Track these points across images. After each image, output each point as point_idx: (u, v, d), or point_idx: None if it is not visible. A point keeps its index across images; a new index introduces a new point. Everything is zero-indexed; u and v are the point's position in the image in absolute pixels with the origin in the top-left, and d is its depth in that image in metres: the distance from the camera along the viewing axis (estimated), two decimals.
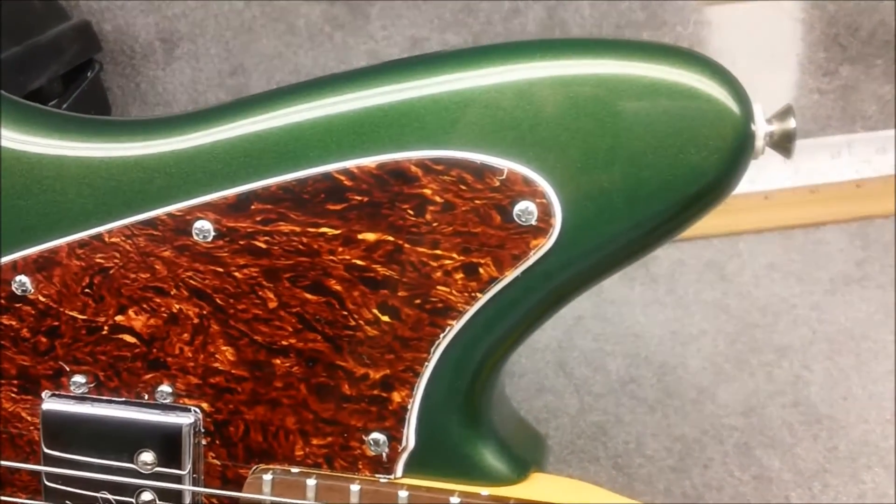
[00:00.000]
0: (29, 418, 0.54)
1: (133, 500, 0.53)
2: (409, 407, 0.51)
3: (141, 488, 0.53)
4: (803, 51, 1.16)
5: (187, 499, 0.52)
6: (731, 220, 1.15)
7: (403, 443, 0.51)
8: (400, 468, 0.51)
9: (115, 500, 0.53)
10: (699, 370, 0.99)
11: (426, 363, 0.50)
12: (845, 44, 1.16)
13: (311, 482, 0.51)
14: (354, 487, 0.50)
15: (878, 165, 1.19)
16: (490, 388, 0.52)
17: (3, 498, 0.56)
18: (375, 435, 0.51)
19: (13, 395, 0.54)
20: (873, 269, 1.10)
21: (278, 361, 0.51)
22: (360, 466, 0.52)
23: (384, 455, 0.51)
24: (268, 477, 0.51)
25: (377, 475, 0.51)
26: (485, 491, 0.50)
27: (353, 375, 0.51)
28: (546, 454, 0.59)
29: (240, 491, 0.52)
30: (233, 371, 0.52)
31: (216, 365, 0.52)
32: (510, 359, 0.52)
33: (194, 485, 0.53)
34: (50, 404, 0.54)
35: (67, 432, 0.53)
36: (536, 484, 0.52)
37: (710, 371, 0.99)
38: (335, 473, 0.52)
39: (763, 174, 1.18)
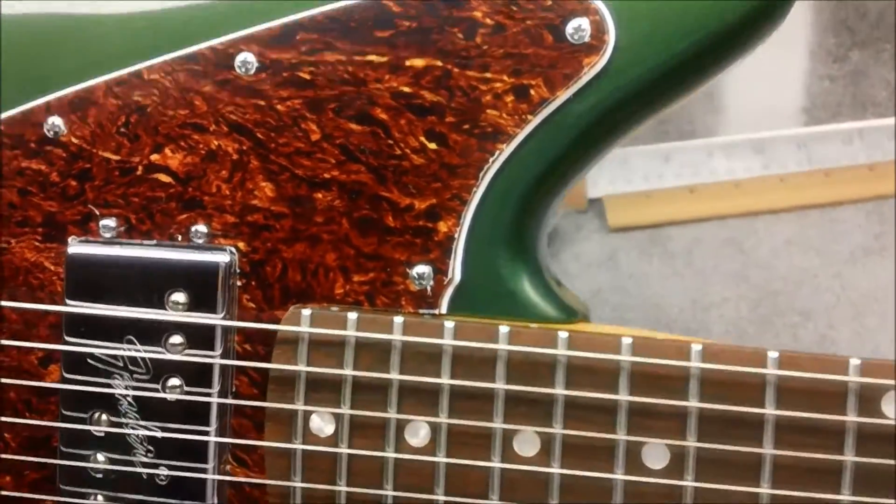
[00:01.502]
0: (52, 268, 0.52)
1: (161, 346, 0.50)
2: (456, 237, 0.49)
3: (170, 332, 0.50)
4: (813, 36, 1.17)
5: (219, 341, 0.50)
6: (746, 202, 1.14)
7: (449, 275, 0.49)
8: (445, 303, 0.49)
9: (142, 348, 0.50)
10: (722, 334, 0.97)
11: (474, 190, 0.48)
12: (854, 28, 1.18)
13: (352, 315, 0.48)
14: (398, 319, 0.48)
15: (889, 152, 1.19)
16: (538, 225, 0.50)
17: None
18: (420, 268, 0.49)
19: (37, 243, 0.52)
20: (891, 241, 1.09)
21: (320, 196, 0.50)
22: (403, 303, 0.49)
23: (428, 289, 0.49)
24: (306, 312, 0.49)
25: (421, 311, 0.49)
26: (534, 324, 0.48)
27: (398, 207, 0.49)
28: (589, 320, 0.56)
29: (276, 334, 0.49)
30: (272, 208, 0.50)
31: (254, 202, 0.50)
32: None
33: (228, 329, 0.50)
34: (76, 248, 0.51)
35: (93, 277, 0.51)
36: (584, 328, 0.49)
37: (733, 334, 0.97)
38: (377, 309, 0.49)
39: (775, 160, 1.18)
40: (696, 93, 0.51)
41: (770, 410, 0.45)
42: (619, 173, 1.02)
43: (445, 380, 0.47)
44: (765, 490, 0.45)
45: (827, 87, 1.18)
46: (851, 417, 0.44)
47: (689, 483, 0.45)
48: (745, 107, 1.12)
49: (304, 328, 0.48)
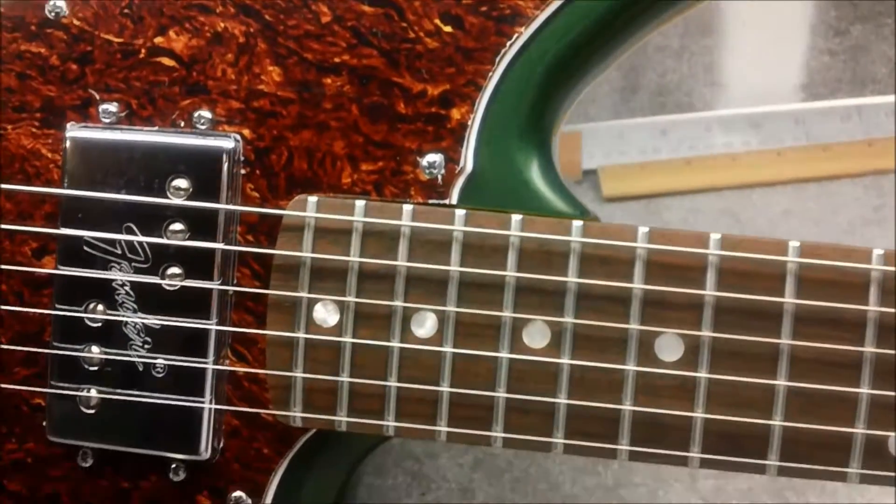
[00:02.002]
0: (49, 155, 0.50)
1: (161, 233, 0.48)
2: (469, 124, 0.47)
3: (171, 219, 0.48)
4: (814, 9, 1.17)
5: (221, 229, 0.48)
6: (742, 174, 1.14)
7: (461, 164, 0.47)
8: (455, 193, 0.48)
9: (143, 238, 0.49)
10: None
11: (490, 76, 0.47)
12: (855, 1, 1.18)
13: (359, 203, 0.47)
14: (407, 207, 0.47)
15: (888, 129, 1.19)
16: (553, 117, 0.49)
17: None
18: (431, 157, 0.48)
19: (34, 129, 0.51)
20: (890, 213, 1.09)
21: (329, 81, 0.48)
22: (413, 192, 0.48)
23: (439, 178, 0.48)
24: (313, 199, 0.47)
25: (430, 201, 0.48)
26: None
27: (410, 93, 0.48)
28: None
29: (280, 225, 0.48)
30: (279, 93, 0.49)
31: (261, 87, 0.49)
32: None
33: (230, 218, 0.49)
34: (75, 132, 0.50)
35: (92, 163, 0.49)
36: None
37: None
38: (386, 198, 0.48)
39: (772, 135, 1.17)
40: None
41: (789, 300, 0.43)
42: (615, 146, 1.01)
43: (454, 268, 0.46)
44: (781, 382, 0.44)
45: (826, 63, 1.18)
46: (873, 308, 0.43)
47: (702, 375, 0.44)
48: (743, 81, 1.11)
49: (311, 214, 0.47)
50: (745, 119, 1.07)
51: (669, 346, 0.45)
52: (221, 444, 0.49)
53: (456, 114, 0.47)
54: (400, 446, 0.79)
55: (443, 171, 0.48)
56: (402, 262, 0.46)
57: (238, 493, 0.49)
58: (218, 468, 0.49)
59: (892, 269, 0.43)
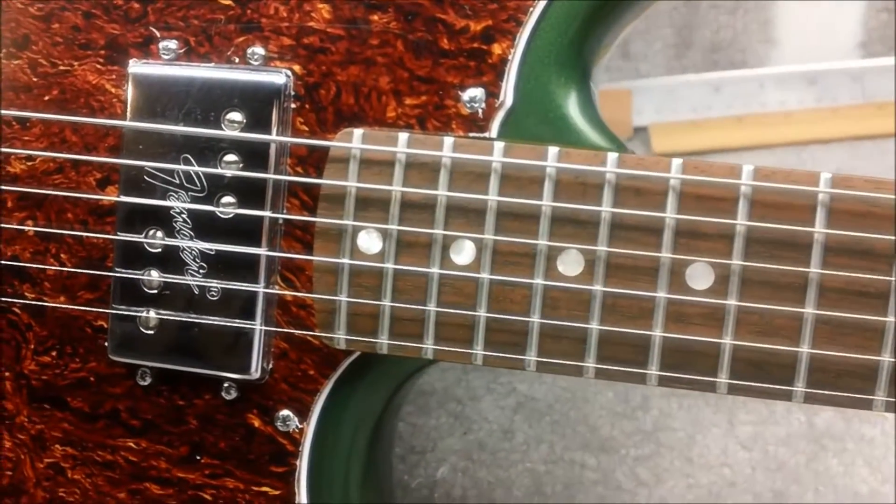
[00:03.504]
0: (113, 90, 0.53)
1: (216, 164, 0.51)
2: (510, 59, 0.49)
3: (225, 150, 0.51)
4: None
5: (273, 160, 0.51)
6: (795, 132, 1.13)
7: (501, 98, 0.49)
8: (495, 127, 0.49)
9: (199, 168, 0.51)
10: None
11: (531, 11, 0.48)
12: None
13: (402, 135, 0.49)
14: (448, 139, 0.48)
15: None
16: (593, 53, 0.50)
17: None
18: (472, 91, 0.49)
19: (99, 66, 0.53)
20: None
21: (376, 17, 0.50)
22: (454, 126, 0.50)
23: (480, 112, 0.49)
24: (359, 131, 0.49)
25: (471, 134, 0.49)
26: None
27: (453, 29, 0.49)
28: None
29: (328, 158, 0.50)
30: (328, 30, 0.51)
31: (311, 24, 0.51)
32: None
33: (281, 150, 0.51)
34: (138, 68, 0.52)
35: (153, 97, 0.52)
36: None
37: None
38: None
39: (828, 93, 1.16)
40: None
41: (819, 230, 0.44)
42: (666, 103, 1.01)
43: (493, 197, 0.48)
44: (809, 311, 0.45)
45: (884, 20, 1.16)
46: None
47: (732, 302, 0.45)
48: (799, 38, 1.10)
49: (356, 145, 0.49)
50: (801, 76, 1.06)
51: (700, 275, 0.46)
52: (270, 366, 0.52)
53: (497, 49, 0.49)
54: (443, 390, 0.81)
55: (483, 106, 0.49)
56: (442, 192, 0.48)
57: (285, 412, 0.52)
58: (267, 388, 0.52)
59: None
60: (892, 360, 0.44)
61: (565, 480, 0.73)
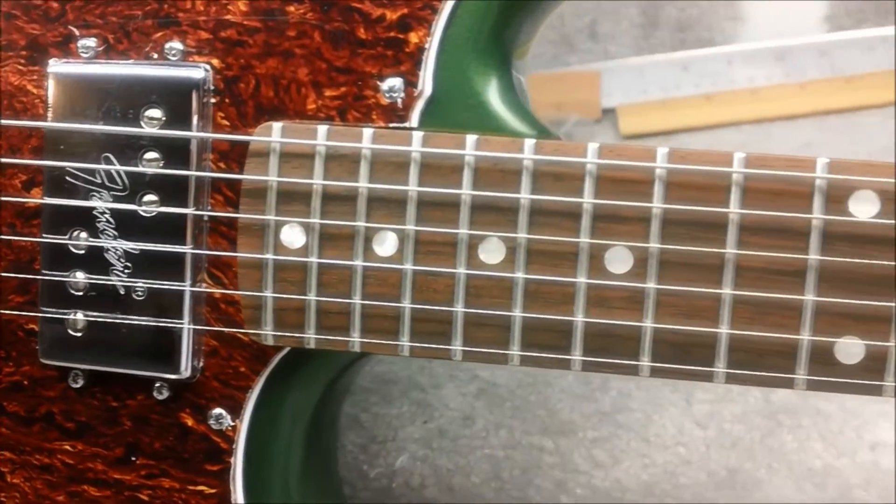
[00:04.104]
0: (35, 91, 0.53)
1: (137, 162, 0.51)
2: (427, 47, 0.48)
3: (146, 148, 0.51)
4: None
5: (194, 156, 0.50)
6: (763, 108, 1.12)
7: (419, 87, 0.49)
8: (415, 117, 0.49)
9: (120, 167, 0.51)
10: None
11: None
12: None
13: (322, 128, 0.48)
14: (368, 130, 0.48)
15: None
16: (513, 39, 0.50)
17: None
18: (391, 81, 0.49)
19: (20, 66, 0.53)
20: None
21: (292, 8, 0.50)
22: (375, 116, 0.49)
23: (399, 102, 0.49)
24: (278, 125, 0.49)
25: (391, 124, 0.49)
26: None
27: (370, 18, 0.49)
28: None
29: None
30: (245, 22, 0.50)
31: (228, 17, 0.50)
32: None
33: (202, 146, 0.51)
34: (57, 67, 0.52)
35: (74, 95, 0.51)
36: None
37: None
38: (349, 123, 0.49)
39: (796, 68, 1.15)
40: None
41: (734, 210, 0.44)
42: (635, 84, 1.01)
43: (413, 187, 0.47)
44: (727, 291, 0.44)
45: None
46: (818, 216, 0.43)
47: (651, 286, 0.45)
48: (765, 14, 1.09)
49: (276, 139, 0.49)
50: (769, 52, 1.05)
51: (619, 259, 0.46)
52: (201, 364, 0.52)
53: (414, 38, 0.49)
54: (407, 378, 0.81)
55: (402, 95, 0.49)
56: (363, 184, 0.48)
57: (218, 410, 0.52)
58: (199, 387, 0.52)
59: (837, 177, 0.43)
60: (811, 338, 0.44)
61: (523, 465, 0.73)
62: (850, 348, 0.43)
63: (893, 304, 0.43)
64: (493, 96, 0.49)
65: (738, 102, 1.06)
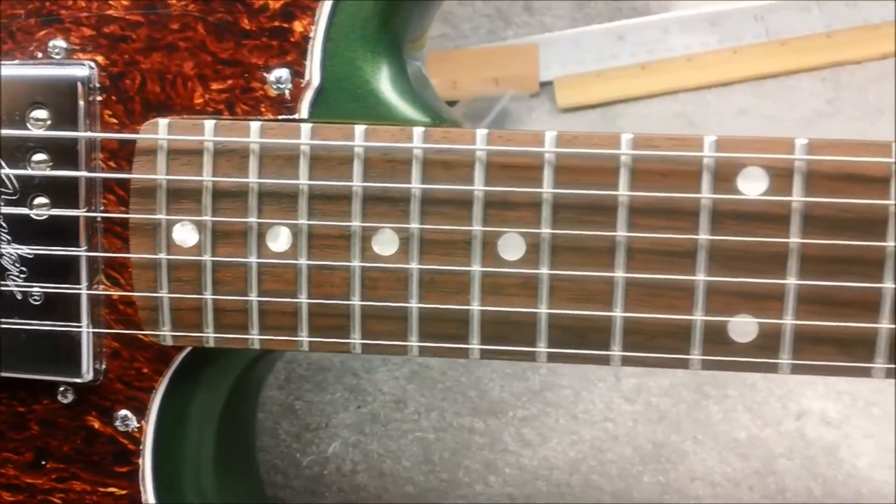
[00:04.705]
0: None
1: (25, 165, 0.49)
2: (312, 37, 0.47)
3: (34, 149, 0.49)
4: None
5: (82, 157, 0.49)
6: (699, 75, 1.12)
7: (307, 77, 0.48)
8: (305, 108, 0.48)
9: (8, 170, 0.50)
10: None
11: None
12: None
13: (209, 123, 0.47)
14: (255, 124, 0.47)
15: (848, 19, 1.16)
16: (403, 25, 0.49)
17: None
18: (277, 72, 0.48)
19: None
20: (845, 105, 1.07)
21: (174, 1, 0.48)
22: (263, 109, 0.48)
23: (287, 93, 0.48)
24: (164, 121, 0.48)
25: (281, 116, 0.48)
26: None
27: (252, 8, 0.48)
28: None
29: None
30: (127, 17, 0.49)
31: (110, 12, 0.49)
32: None
33: (91, 146, 0.49)
34: None
35: None
36: None
37: None
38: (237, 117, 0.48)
39: (732, 34, 1.15)
40: None
41: (623, 192, 0.44)
42: (572, 55, 1.00)
43: (303, 181, 0.47)
44: (619, 274, 0.44)
45: None
46: (706, 195, 0.43)
47: (544, 271, 0.45)
48: None
49: (162, 136, 0.48)
50: (703, 19, 1.05)
51: (512, 245, 0.45)
52: (104, 366, 0.51)
53: (298, 26, 0.47)
54: (341, 364, 0.81)
55: (290, 86, 0.48)
56: (252, 179, 0.47)
57: (124, 412, 0.51)
58: (103, 389, 0.51)
59: (725, 155, 0.43)
60: (704, 318, 0.44)
61: (453, 447, 0.73)
62: (743, 327, 0.43)
63: (784, 282, 0.43)
64: (384, 85, 0.48)
65: (674, 71, 1.06)
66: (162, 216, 0.48)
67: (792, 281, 0.43)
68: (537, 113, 0.99)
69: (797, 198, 0.42)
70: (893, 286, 0.42)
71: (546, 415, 0.73)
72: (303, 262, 0.47)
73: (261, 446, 0.77)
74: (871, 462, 0.66)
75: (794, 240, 0.42)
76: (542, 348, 0.45)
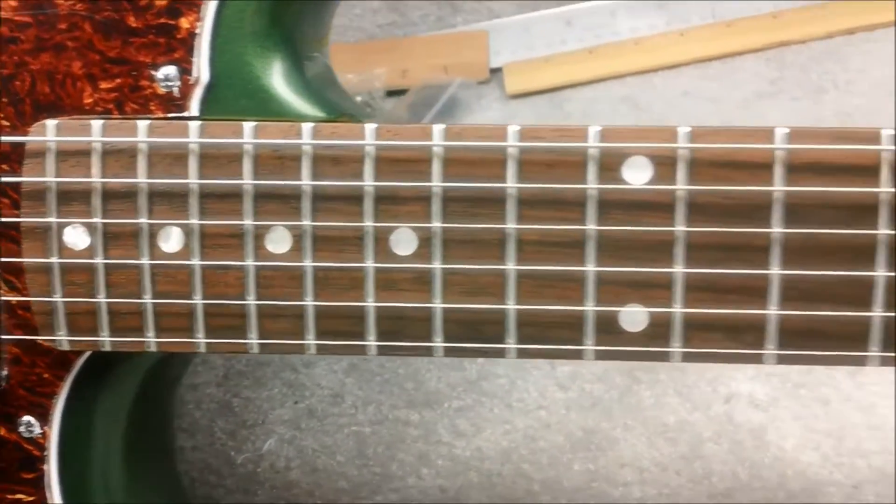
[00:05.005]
0: None
1: None
2: (198, 33, 0.47)
3: None
4: None
5: None
6: (646, 59, 1.11)
7: (195, 74, 0.47)
8: (195, 105, 0.47)
9: None
10: None
11: None
12: None
13: (96, 123, 0.47)
14: (143, 123, 0.46)
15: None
16: (295, 19, 0.48)
17: None
18: (165, 69, 0.47)
19: None
20: (788, 84, 1.07)
21: (61, 0, 0.47)
22: (153, 108, 0.47)
23: (175, 91, 0.47)
24: (52, 122, 0.47)
25: (171, 114, 0.47)
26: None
27: (138, 5, 0.47)
28: None
29: None
30: (16, 18, 0.48)
31: None
32: None
33: None
34: None
35: None
36: None
37: None
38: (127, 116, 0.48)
39: (679, 16, 1.14)
40: None
41: (511, 184, 0.43)
42: (522, 41, 0.99)
43: (193, 180, 0.46)
44: (510, 266, 0.44)
45: None
46: (592, 185, 0.43)
47: (436, 266, 0.44)
48: None
49: (51, 138, 0.47)
50: (651, 1, 1.04)
51: (404, 240, 0.45)
52: (6, 372, 0.50)
53: (185, 23, 0.47)
54: (280, 359, 0.80)
55: (178, 84, 0.47)
56: (142, 180, 0.46)
57: (27, 418, 0.51)
58: (6, 396, 0.51)
59: (609, 144, 0.42)
60: (595, 308, 0.43)
61: (388, 440, 0.73)
62: (634, 316, 0.43)
63: (672, 270, 0.42)
64: (276, 80, 0.47)
65: (622, 54, 1.05)
66: (52, 219, 0.47)
67: (679, 269, 0.42)
68: (487, 100, 0.99)
69: (681, 186, 0.42)
70: (779, 272, 0.41)
71: (481, 405, 0.73)
72: (196, 262, 0.46)
73: (195, 445, 0.76)
74: (797, 444, 0.66)
75: (680, 228, 0.42)
76: (438, 343, 0.45)
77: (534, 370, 0.74)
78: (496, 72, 0.98)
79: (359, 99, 0.99)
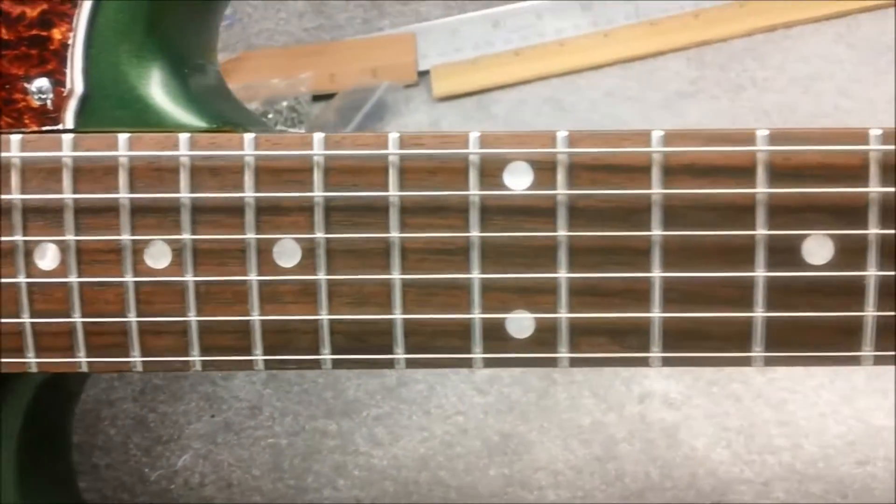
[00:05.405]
0: None
1: None
2: (71, 43, 0.45)
3: None
4: None
5: None
6: (571, 60, 1.12)
7: (69, 85, 0.46)
8: (70, 118, 0.46)
9: None
10: None
11: None
12: None
13: None
14: (15, 137, 0.45)
15: None
16: (177, 27, 0.47)
17: None
18: (38, 82, 0.46)
19: None
20: (707, 83, 1.08)
21: None
22: (27, 121, 0.46)
23: (49, 103, 0.46)
24: None
25: (45, 127, 0.46)
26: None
27: (10, 17, 0.45)
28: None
29: None
30: None
31: None
32: None
33: None
34: None
35: None
36: None
37: None
38: None
39: (603, 17, 1.15)
40: None
41: (393, 193, 0.43)
42: (449, 44, 0.99)
43: (67, 195, 0.44)
44: (395, 276, 0.43)
45: None
46: (474, 192, 0.42)
47: (321, 277, 0.44)
48: None
49: None
50: (576, 2, 1.05)
51: (288, 252, 0.44)
52: None
53: (57, 34, 0.45)
54: (196, 371, 0.79)
55: (51, 96, 0.46)
56: (15, 196, 0.45)
57: None
58: None
59: (489, 151, 0.42)
60: (482, 316, 0.43)
61: (304, 451, 0.72)
62: (520, 322, 0.43)
63: (555, 275, 0.42)
64: (155, 90, 0.46)
65: (547, 56, 1.06)
66: None
67: (563, 274, 0.42)
68: (414, 103, 0.98)
69: (561, 191, 0.41)
70: (660, 274, 0.41)
71: (399, 412, 0.72)
72: (73, 279, 0.45)
73: (109, 463, 0.74)
74: (708, 442, 0.66)
75: (562, 233, 0.42)
76: (326, 355, 0.44)
77: (452, 375, 0.74)
78: (424, 74, 0.97)
79: (285, 104, 0.98)
